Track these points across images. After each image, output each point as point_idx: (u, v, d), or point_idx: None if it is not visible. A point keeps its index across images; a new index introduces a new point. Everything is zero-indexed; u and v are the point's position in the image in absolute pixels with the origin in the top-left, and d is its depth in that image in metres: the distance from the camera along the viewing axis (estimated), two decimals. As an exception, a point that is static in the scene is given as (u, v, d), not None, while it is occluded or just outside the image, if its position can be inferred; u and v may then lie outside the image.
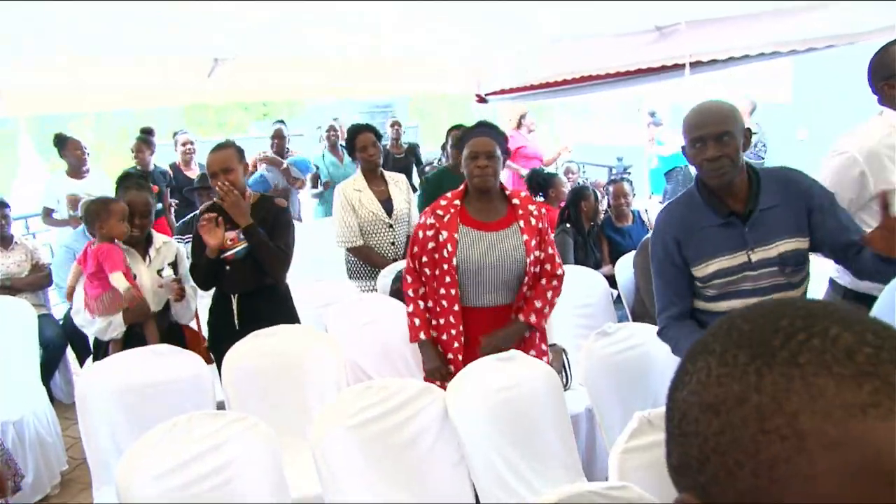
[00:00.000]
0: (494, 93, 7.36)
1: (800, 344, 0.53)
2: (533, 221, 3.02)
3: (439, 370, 2.98)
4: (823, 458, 0.49)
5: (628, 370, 2.96)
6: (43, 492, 3.85)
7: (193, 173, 6.59)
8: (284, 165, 6.80)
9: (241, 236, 3.36)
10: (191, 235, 5.12)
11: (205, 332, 3.69)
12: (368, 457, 2.44)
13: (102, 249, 3.32)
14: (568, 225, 4.99)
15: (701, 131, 2.28)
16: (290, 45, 5.16)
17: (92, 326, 3.41)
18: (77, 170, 5.70)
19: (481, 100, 7.50)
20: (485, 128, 3.05)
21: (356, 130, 4.46)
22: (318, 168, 7.11)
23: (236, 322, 3.43)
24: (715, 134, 2.26)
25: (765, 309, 0.59)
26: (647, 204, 7.01)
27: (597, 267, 4.69)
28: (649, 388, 2.98)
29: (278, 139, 7.15)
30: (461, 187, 3.05)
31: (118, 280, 3.28)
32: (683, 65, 5.22)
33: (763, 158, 7.86)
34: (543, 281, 3.09)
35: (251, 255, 3.38)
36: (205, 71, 5.39)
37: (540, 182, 6.06)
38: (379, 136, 4.50)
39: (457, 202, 2.99)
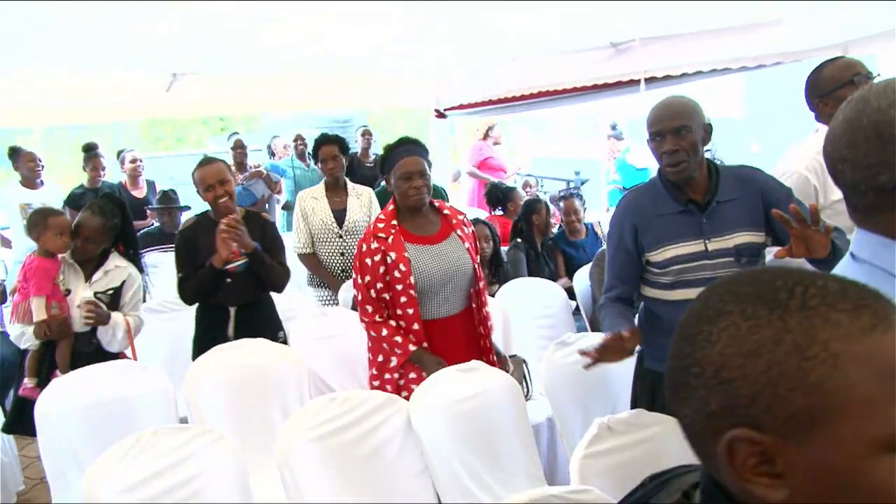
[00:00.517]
0: (453, 108, 7.43)
1: (802, 294, 0.68)
2: (466, 229, 3.07)
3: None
4: (855, 370, 0.65)
5: (588, 379, 3.00)
6: (-1, 512, 3.78)
7: (140, 192, 6.53)
8: (265, 174, 6.80)
9: (243, 250, 3.34)
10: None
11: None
12: (333, 468, 2.45)
13: (33, 266, 3.28)
14: (519, 240, 5.05)
15: (660, 125, 2.37)
16: (248, 59, 5.16)
17: (12, 332, 3.37)
18: (31, 181, 5.73)
19: (440, 115, 7.56)
20: (411, 145, 3.01)
21: (321, 142, 4.52)
22: (285, 172, 7.18)
23: (231, 333, 3.42)
24: (672, 128, 2.34)
25: (750, 276, 0.73)
26: (604, 217, 7.08)
27: (551, 280, 4.76)
28: (609, 396, 3.04)
29: (240, 149, 7.15)
30: (390, 207, 3.02)
31: (37, 307, 3.25)
32: (638, 80, 5.35)
33: None
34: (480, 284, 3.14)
35: (251, 268, 3.39)
36: (163, 86, 5.37)
37: (499, 196, 6.14)
38: (345, 149, 4.53)
39: (394, 222, 2.96)
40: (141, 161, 6.74)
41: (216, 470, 2.35)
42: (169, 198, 5.70)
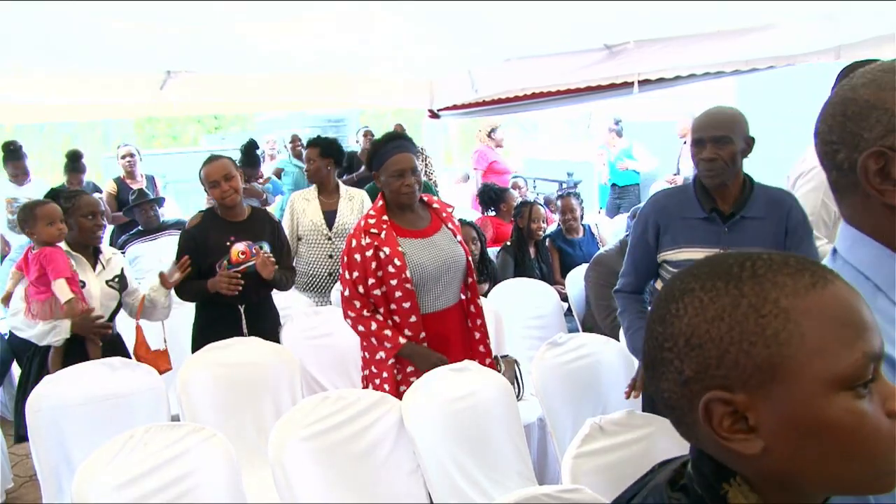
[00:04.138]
0: (447, 108, 7.44)
1: (751, 267, 0.77)
2: (457, 221, 3.10)
3: (441, 360, 2.85)
4: (804, 320, 0.74)
5: (579, 379, 3.03)
6: (-13, 510, 3.77)
7: (138, 184, 6.52)
8: (264, 196, 6.79)
9: (253, 251, 3.40)
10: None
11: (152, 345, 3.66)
12: (326, 466, 2.46)
13: (45, 253, 3.22)
14: (509, 243, 5.07)
15: (702, 133, 2.43)
16: (242, 58, 5.16)
17: (31, 330, 3.28)
18: (20, 181, 5.76)
19: (433, 115, 7.56)
20: (400, 141, 3.00)
21: (307, 144, 4.60)
22: (283, 171, 7.16)
23: (245, 331, 3.45)
24: (713, 136, 2.40)
25: (705, 260, 0.82)
26: (598, 218, 7.10)
27: (544, 280, 4.77)
28: (599, 396, 3.05)
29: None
30: (380, 203, 3.00)
31: (61, 289, 3.20)
32: (632, 83, 5.36)
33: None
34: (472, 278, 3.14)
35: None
36: (157, 83, 5.36)
37: (491, 196, 6.14)
38: (328, 152, 4.46)
39: (384, 217, 2.94)
40: (133, 156, 6.69)
41: (208, 468, 2.36)
42: (144, 194, 5.69)
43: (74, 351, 3.29)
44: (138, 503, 2.23)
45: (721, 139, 2.39)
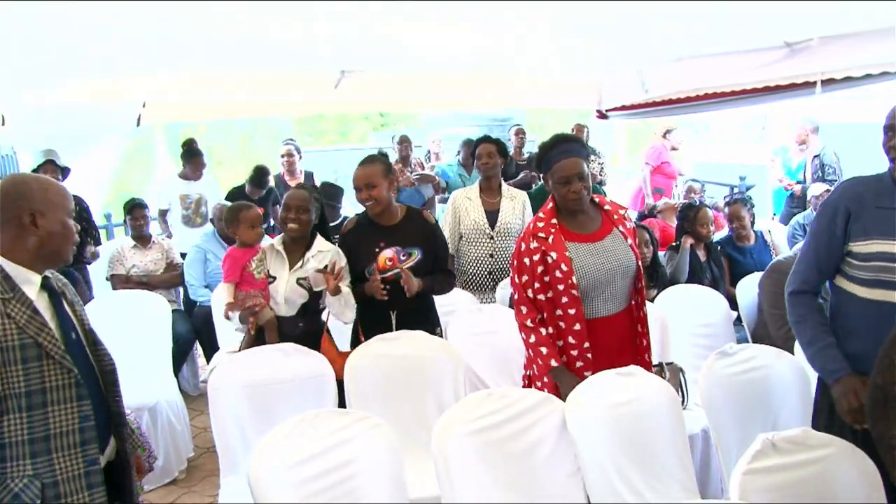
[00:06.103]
0: (615, 108, 7.31)
1: None
2: (628, 224, 3.01)
3: None
4: None
5: (748, 392, 2.91)
6: (171, 475, 4.12)
7: (296, 181, 6.72)
8: (437, 180, 6.96)
9: (402, 257, 3.40)
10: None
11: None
12: (486, 462, 2.48)
13: (228, 255, 3.54)
14: (674, 244, 4.95)
15: None
16: (411, 58, 5.27)
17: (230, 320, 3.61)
18: (195, 177, 6.25)
19: (601, 115, 7.46)
20: (566, 145, 2.91)
21: (480, 140, 4.66)
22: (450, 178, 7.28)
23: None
24: None
25: None
26: (770, 224, 6.74)
27: (714, 285, 4.63)
28: (769, 412, 2.92)
29: (405, 143, 7.35)
30: (549, 205, 2.96)
31: (225, 291, 3.49)
32: (814, 82, 5.07)
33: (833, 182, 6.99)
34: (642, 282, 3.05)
35: (412, 271, 3.41)
36: (332, 82, 5.58)
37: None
38: (503, 152, 4.60)
39: (553, 221, 2.90)
40: (292, 156, 6.96)
41: (372, 455, 2.45)
42: (331, 190, 5.78)
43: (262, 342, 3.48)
44: (305, 484, 2.34)
45: None
